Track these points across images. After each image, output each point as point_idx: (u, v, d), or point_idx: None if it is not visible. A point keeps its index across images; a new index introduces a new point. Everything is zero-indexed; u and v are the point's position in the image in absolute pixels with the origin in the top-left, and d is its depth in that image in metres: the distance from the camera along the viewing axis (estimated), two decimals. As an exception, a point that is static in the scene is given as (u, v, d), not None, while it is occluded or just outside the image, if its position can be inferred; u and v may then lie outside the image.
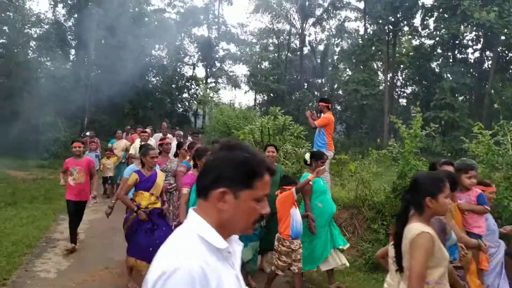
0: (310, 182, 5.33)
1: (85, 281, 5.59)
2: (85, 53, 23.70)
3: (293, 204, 5.04)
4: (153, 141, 10.38)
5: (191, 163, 5.85)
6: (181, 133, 13.15)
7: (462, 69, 26.03)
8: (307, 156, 5.92)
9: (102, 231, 8.15)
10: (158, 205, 5.43)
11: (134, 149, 9.85)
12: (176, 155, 7.59)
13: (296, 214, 5.05)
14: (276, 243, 5.11)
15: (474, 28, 25.10)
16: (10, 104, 19.50)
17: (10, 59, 19.24)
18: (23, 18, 20.77)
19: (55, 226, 8.42)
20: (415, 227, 2.65)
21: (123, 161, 11.88)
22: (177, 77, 33.68)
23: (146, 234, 5.15)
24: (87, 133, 14.86)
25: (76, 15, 25.38)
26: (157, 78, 32.47)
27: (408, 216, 2.80)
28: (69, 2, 25.67)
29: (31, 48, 23.51)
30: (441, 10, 26.62)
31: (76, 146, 7.03)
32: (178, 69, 34.54)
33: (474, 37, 27.77)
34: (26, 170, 16.07)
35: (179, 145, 7.48)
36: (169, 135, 12.05)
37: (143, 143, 7.42)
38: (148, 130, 12.36)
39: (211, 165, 1.50)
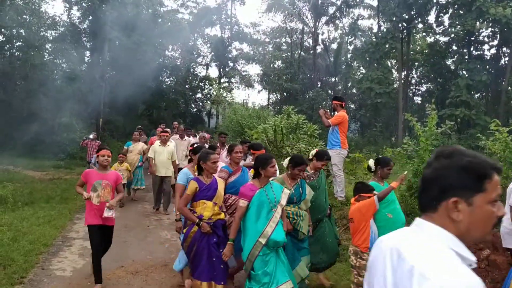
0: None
1: (101, 280, 5.63)
2: (99, 54, 23.93)
3: (373, 214, 4.63)
4: (172, 143, 10.18)
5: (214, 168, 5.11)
6: (206, 135, 12.31)
7: (478, 66, 25.62)
8: (372, 162, 5.49)
9: (116, 230, 8.13)
10: (222, 216, 4.89)
11: (154, 151, 9.50)
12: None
13: (372, 224, 4.68)
14: (352, 257, 4.62)
15: (490, 24, 24.71)
16: (27, 105, 19.82)
17: (26, 62, 19.53)
18: (39, 21, 21.07)
19: (71, 225, 8.52)
20: None
21: (139, 164, 11.30)
22: (190, 77, 33.82)
23: (211, 251, 4.61)
24: (90, 136, 14.28)
25: (90, 17, 25.63)
26: (171, 78, 32.65)
27: None
28: (83, 4, 25.92)
29: (47, 50, 23.83)
30: (456, 6, 26.22)
31: (104, 155, 5.45)
32: (192, 69, 34.68)
33: (490, 33, 27.34)
34: (43, 171, 16.30)
35: (212, 148, 6.85)
36: (191, 138, 12.01)
37: (196, 144, 6.48)
38: (168, 130, 11.52)
39: (434, 177, 1.43)
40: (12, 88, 20.32)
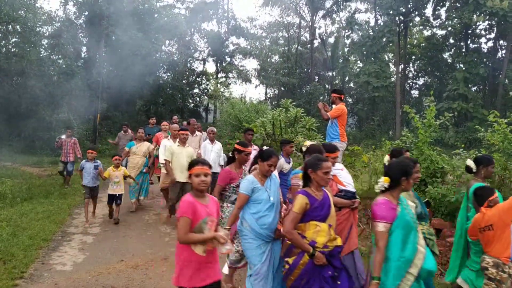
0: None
1: (101, 274, 5.64)
2: (96, 50, 23.81)
3: None
4: (193, 145, 9.29)
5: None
6: (214, 129, 10.12)
7: (475, 59, 25.67)
8: (471, 163, 4.90)
9: (116, 225, 8.25)
10: (339, 241, 3.84)
11: (171, 153, 8.04)
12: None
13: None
14: (492, 270, 3.92)
15: (487, 17, 24.71)
16: (24, 101, 19.73)
17: (23, 58, 19.39)
18: (34, 17, 20.92)
19: (70, 220, 8.52)
20: None
21: (144, 170, 9.58)
22: (187, 73, 33.70)
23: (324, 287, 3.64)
24: (63, 136, 12.62)
25: (86, 13, 25.51)
26: (168, 74, 32.50)
27: None
28: (79, 0, 25.80)
29: (43, 46, 23.69)
30: (453, -1, 26.28)
31: (200, 174, 3.45)
32: (189, 65, 34.54)
33: (487, 26, 27.41)
34: (41, 167, 16.27)
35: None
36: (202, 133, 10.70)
37: (265, 147, 4.66)
38: (187, 128, 9.52)
39: None
40: (9, 84, 20.18)
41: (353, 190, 4.98)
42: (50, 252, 6.49)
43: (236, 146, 5.43)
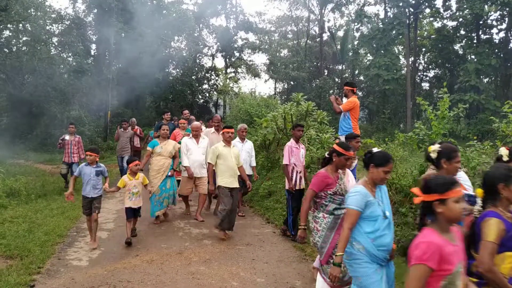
0: None
1: (117, 269, 5.67)
2: (105, 47, 23.94)
3: None
4: (205, 140, 8.63)
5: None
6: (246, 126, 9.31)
7: (487, 50, 25.33)
8: (435, 150, 3.79)
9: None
10: None
11: (216, 154, 7.08)
12: None
13: None
14: None
15: (499, 7, 24.35)
16: (36, 99, 19.90)
17: (34, 56, 19.57)
18: (44, 15, 21.08)
19: (84, 216, 8.55)
20: None
21: (169, 174, 8.10)
22: (196, 68, 33.78)
23: None
24: (66, 136, 11.43)
25: (95, 10, 25.63)
26: (177, 70, 32.64)
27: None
28: (88, -3, 25.96)
29: (53, 45, 23.89)
30: (463, -11, 25.92)
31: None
32: (198, 60, 34.62)
33: (499, 16, 26.97)
34: (53, 164, 16.41)
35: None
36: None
37: (375, 149, 3.71)
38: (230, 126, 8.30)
39: None
40: (21, 83, 20.40)
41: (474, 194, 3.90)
42: (66, 248, 6.55)
43: (335, 147, 4.64)
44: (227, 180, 6.99)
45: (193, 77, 32.65)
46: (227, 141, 7.22)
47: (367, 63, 34.34)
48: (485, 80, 27.31)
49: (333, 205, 4.51)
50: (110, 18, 22.39)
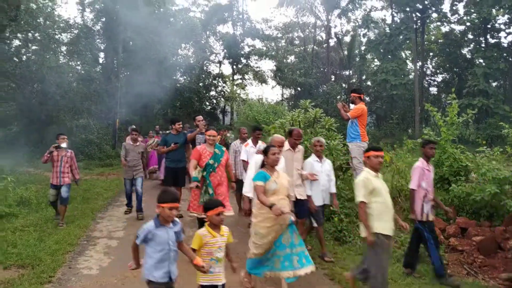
0: None
1: (127, 278, 5.69)
2: (113, 55, 24.12)
3: None
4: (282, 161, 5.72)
5: None
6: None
7: (495, 54, 25.25)
8: None
9: (139, 228, 8.28)
10: None
11: (370, 189, 4.77)
12: None
13: None
14: None
15: (507, 11, 24.30)
16: (45, 108, 20.06)
17: (43, 65, 19.75)
18: (53, 25, 21.32)
19: (94, 225, 8.60)
20: None
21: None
22: (204, 75, 33.90)
23: None
24: (64, 145, 8.86)
25: (103, 19, 25.86)
26: (185, 77, 32.77)
27: None
28: (96, 6, 26.18)
29: (62, 53, 24.10)
30: (471, -6, 25.89)
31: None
32: (205, 67, 34.77)
33: (507, 20, 26.89)
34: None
35: None
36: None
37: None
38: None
39: None
40: (30, 91, 20.58)
41: None
42: (77, 257, 6.57)
43: None
44: (386, 224, 4.81)
45: (200, 84, 32.77)
46: (376, 169, 4.98)
47: (374, 68, 34.33)
48: (494, 84, 27.20)
49: None
50: (118, 27, 22.57)
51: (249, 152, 7.75)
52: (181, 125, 8.93)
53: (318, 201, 6.34)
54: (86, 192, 11.94)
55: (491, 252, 6.35)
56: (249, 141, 8.13)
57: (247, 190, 5.72)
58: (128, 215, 9.32)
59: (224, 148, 6.87)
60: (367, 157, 5.05)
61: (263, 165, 5.13)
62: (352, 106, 8.12)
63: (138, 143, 9.44)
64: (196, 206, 6.57)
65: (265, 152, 5.07)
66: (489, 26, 26.81)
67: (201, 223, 6.23)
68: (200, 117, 9.41)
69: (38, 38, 21.19)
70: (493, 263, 6.15)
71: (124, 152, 9.26)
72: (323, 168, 6.43)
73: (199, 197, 6.53)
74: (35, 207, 9.65)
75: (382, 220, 4.78)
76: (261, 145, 7.76)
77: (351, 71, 38.82)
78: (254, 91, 57.58)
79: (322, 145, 6.47)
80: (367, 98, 36.55)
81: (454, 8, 28.43)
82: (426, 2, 28.19)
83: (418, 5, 27.89)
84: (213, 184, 6.52)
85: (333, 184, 6.59)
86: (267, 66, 44.35)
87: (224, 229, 4.16)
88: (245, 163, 7.69)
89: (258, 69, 38.11)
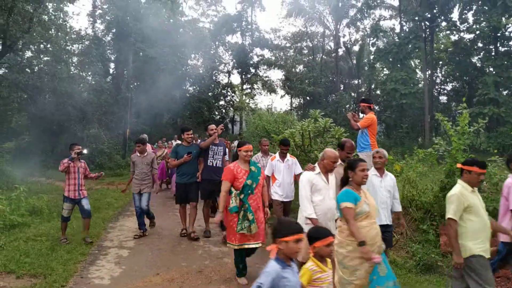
0: None
1: (138, 287, 5.71)
2: (124, 65, 24.39)
3: None
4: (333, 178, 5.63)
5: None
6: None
7: (506, 62, 25.09)
8: None
9: (149, 238, 8.34)
10: None
11: (450, 205, 4.48)
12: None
13: None
14: None
15: (517, 19, 24.21)
16: (56, 118, 20.30)
17: (54, 76, 20.00)
18: (65, 36, 21.62)
19: (105, 234, 8.65)
20: None
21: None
22: (213, 85, 34.15)
23: None
24: (85, 150, 8.73)
25: (114, 30, 26.19)
26: (194, 87, 33.04)
27: None
28: (107, 18, 26.53)
29: (73, 64, 24.40)
30: (480, 2, 25.80)
31: None
32: (214, 77, 35.05)
33: (517, 28, 26.78)
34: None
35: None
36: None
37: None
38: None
39: None
40: (42, 102, 20.84)
41: None
42: (88, 266, 6.61)
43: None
44: (482, 246, 4.39)
45: (209, 93, 33.00)
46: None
47: (384, 77, 34.26)
48: (505, 92, 26.98)
49: None
50: (128, 38, 22.84)
51: (276, 167, 7.27)
52: (190, 135, 8.19)
53: (378, 220, 5.02)
54: (97, 202, 12.03)
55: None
56: (276, 154, 7.58)
57: (310, 212, 5.03)
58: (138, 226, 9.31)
59: (259, 165, 6.10)
60: (468, 171, 4.53)
61: (345, 183, 4.48)
62: (361, 115, 8.11)
63: (146, 154, 8.62)
64: (232, 235, 5.69)
65: (351, 167, 4.39)
66: (499, 34, 26.67)
67: (240, 255, 5.78)
68: (213, 126, 8.36)
69: (50, 49, 21.47)
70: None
71: (133, 166, 8.62)
72: (384, 184, 5.67)
73: (236, 224, 5.60)
74: (46, 217, 9.75)
75: (478, 239, 4.35)
76: (290, 158, 7.53)
77: (360, 80, 38.81)
78: (263, 100, 57.71)
79: (382, 156, 5.74)
80: (377, 107, 36.46)
81: (463, 16, 28.36)
82: (435, 11, 28.19)
83: (427, 14, 27.89)
84: (253, 208, 5.60)
85: (397, 202, 5.89)
86: (276, 75, 44.50)
87: (329, 261, 3.50)
88: (269, 179, 7.26)
89: (267, 78, 38.30)
